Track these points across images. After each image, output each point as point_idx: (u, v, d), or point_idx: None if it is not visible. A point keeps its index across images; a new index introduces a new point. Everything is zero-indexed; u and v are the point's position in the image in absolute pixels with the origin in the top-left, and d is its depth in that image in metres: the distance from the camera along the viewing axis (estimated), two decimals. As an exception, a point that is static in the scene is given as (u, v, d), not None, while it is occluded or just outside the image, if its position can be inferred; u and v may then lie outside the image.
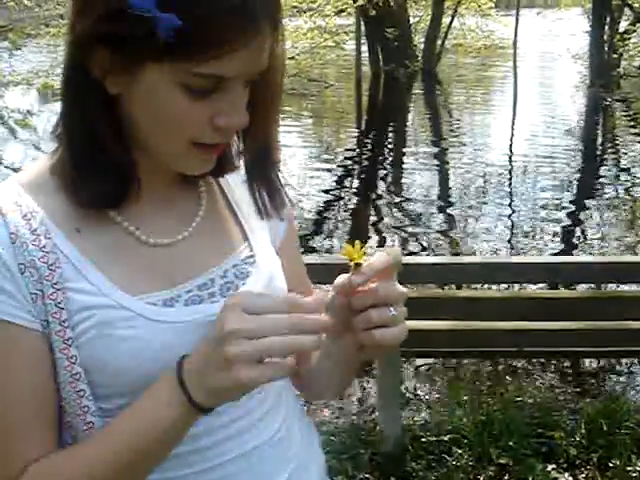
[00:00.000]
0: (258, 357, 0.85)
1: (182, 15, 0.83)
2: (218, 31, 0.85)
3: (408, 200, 8.70)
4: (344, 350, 1.06)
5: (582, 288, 4.83)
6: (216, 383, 0.87)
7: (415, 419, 3.70)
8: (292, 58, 19.37)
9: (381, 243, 7.07)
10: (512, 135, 12.76)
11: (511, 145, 11.97)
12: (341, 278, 0.97)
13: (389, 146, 12.54)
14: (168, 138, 0.94)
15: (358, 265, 0.93)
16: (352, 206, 8.58)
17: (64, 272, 0.94)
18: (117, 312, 0.95)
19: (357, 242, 0.94)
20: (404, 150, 12.02)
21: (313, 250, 6.74)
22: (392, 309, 0.95)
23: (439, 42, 21.84)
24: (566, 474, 3.22)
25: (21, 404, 0.94)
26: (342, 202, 8.67)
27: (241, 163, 1.10)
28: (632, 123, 14.14)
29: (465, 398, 3.71)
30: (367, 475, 3.26)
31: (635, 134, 12.80)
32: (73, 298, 0.94)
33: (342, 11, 20.54)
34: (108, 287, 0.96)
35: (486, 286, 4.62)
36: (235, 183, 1.14)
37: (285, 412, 1.14)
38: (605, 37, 18.86)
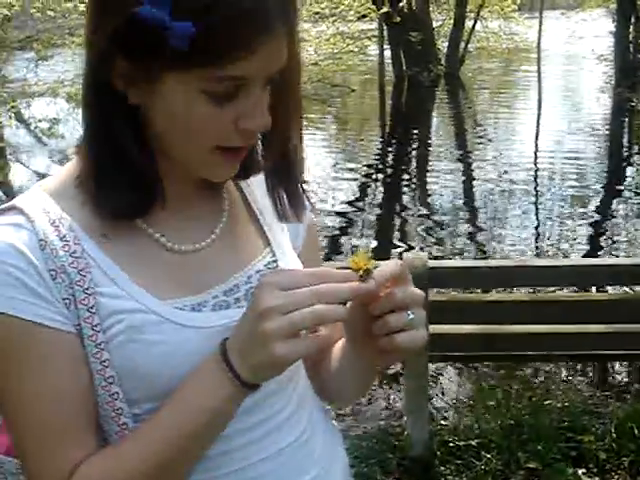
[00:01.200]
0: (293, 331, 0.88)
1: (196, 22, 0.84)
2: (232, 36, 0.85)
3: (433, 203, 8.68)
4: (364, 357, 1.07)
5: (610, 290, 4.81)
6: (257, 359, 0.89)
7: (443, 423, 3.69)
8: (315, 64, 19.42)
9: (407, 248, 7.06)
10: (537, 138, 12.70)
11: (536, 148, 11.91)
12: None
13: (413, 151, 12.52)
14: (192, 145, 0.95)
15: (367, 272, 0.93)
16: (377, 211, 8.58)
17: (94, 277, 0.95)
18: (146, 316, 0.96)
19: (361, 250, 0.94)
20: (428, 155, 12.00)
21: (339, 255, 6.74)
22: (410, 313, 0.95)
23: (462, 46, 21.78)
24: (596, 478, 3.20)
25: (63, 407, 0.95)
26: (367, 207, 8.67)
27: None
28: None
29: (493, 402, 3.69)
30: (395, 480, 3.25)
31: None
32: (103, 303, 0.95)
33: (365, 16, 20.58)
34: (137, 292, 0.97)
35: (513, 290, 4.61)
36: (256, 186, 1.14)
37: (309, 414, 1.14)
38: (630, 37, 18.72)
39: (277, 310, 0.87)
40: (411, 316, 0.95)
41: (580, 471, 3.22)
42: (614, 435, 3.40)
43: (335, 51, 19.99)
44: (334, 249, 6.98)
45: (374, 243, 7.34)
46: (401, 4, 18.03)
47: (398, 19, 17.71)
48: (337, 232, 7.61)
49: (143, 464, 0.94)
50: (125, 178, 0.96)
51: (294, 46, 0.96)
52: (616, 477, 3.20)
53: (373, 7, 18.31)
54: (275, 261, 1.10)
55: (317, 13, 20.53)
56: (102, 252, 0.97)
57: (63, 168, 1.04)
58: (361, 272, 0.92)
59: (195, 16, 0.84)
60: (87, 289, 0.94)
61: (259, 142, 1.05)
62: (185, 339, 0.97)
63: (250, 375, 0.91)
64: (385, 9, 16.94)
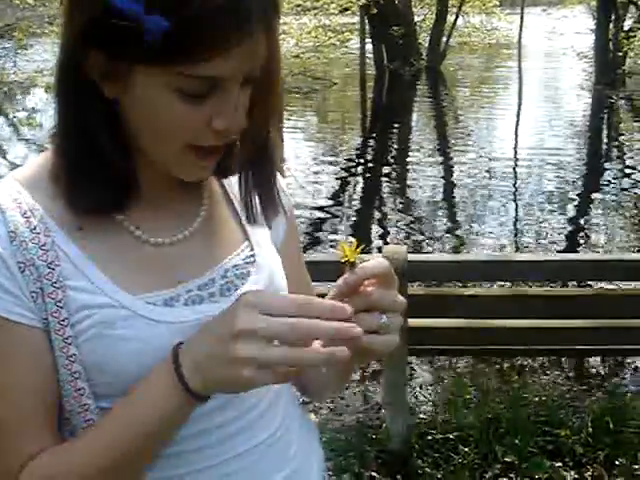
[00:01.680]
0: (266, 365, 0.85)
1: (169, 17, 0.82)
2: (206, 32, 0.83)
3: (413, 198, 8.70)
4: (348, 365, 1.06)
5: (588, 285, 4.84)
6: (218, 377, 0.87)
7: (421, 417, 3.70)
8: (297, 57, 19.40)
9: (386, 242, 7.07)
10: (517, 134, 12.76)
11: (516, 144, 11.97)
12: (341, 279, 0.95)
13: (394, 145, 12.54)
14: (164, 143, 0.93)
15: (353, 265, 0.91)
16: (357, 203, 8.59)
17: (64, 270, 0.94)
18: (117, 311, 0.94)
19: (353, 241, 0.92)
20: (408, 149, 12.02)
21: (317, 248, 6.74)
22: (384, 317, 0.92)
23: (444, 40, 21.83)
24: (572, 472, 3.22)
25: (22, 402, 0.94)
26: (347, 201, 8.67)
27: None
28: (637, 121, 14.13)
29: (471, 396, 3.70)
30: (373, 473, 3.26)
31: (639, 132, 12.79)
32: (73, 297, 0.94)
33: (346, 9, 20.54)
34: (108, 286, 0.95)
35: (492, 284, 4.64)
36: (237, 182, 1.12)
37: (284, 411, 1.13)
38: (610, 35, 18.82)
39: (254, 334, 0.84)
40: (384, 319, 0.92)
41: (556, 464, 3.24)
42: (590, 429, 3.42)
43: (317, 44, 19.97)
44: (313, 243, 6.97)
45: (354, 237, 7.34)
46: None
47: (375, 11, 17.73)
48: (316, 225, 7.60)
49: (90, 463, 0.93)
50: (99, 173, 0.94)
51: (274, 45, 0.93)
52: (592, 470, 3.23)
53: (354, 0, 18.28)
54: (253, 256, 1.08)
55: (299, 5, 20.47)
56: (74, 245, 0.95)
57: (37, 158, 1.02)
58: (347, 264, 0.91)
59: (169, 11, 0.82)
60: (55, 282, 0.93)
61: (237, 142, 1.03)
62: (156, 334, 0.95)
63: (202, 389, 0.89)
64: (364, 0, 16.93)
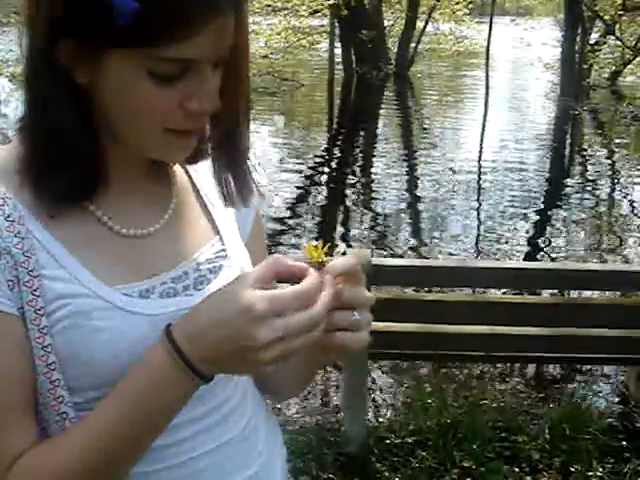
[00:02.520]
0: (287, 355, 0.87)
1: None
2: (177, 13, 0.83)
3: (377, 203, 8.72)
4: (306, 353, 1.04)
5: (547, 294, 4.89)
6: (241, 370, 0.92)
7: (380, 420, 3.71)
8: (265, 57, 19.38)
9: (349, 245, 7.08)
10: (482, 141, 12.86)
11: (481, 151, 12.06)
12: None
13: (359, 148, 12.58)
14: (140, 126, 0.92)
15: (322, 265, 0.91)
16: (321, 207, 8.59)
17: (39, 259, 0.92)
18: (93, 302, 0.93)
19: (320, 242, 0.92)
20: (374, 153, 12.06)
21: (279, 250, 6.73)
22: (356, 314, 0.93)
23: (412, 46, 21.94)
24: (528, 478, 3.25)
25: (6, 391, 0.92)
26: (311, 203, 8.67)
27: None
28: (599, 134, 14.32)
29: (430, 401, 3.72)
30: (331, 475, 3.25)
31: (602, 145, 12.95)
32: (48, 286, 0.92)
33: (317, 12, 20.56)
34: (84, 276, 0.94)
35: (453, 289, 4.66)
36: (205, 173, 1.12)
37: (251, 409, 1.14)
38: (576, 48, 19.06)
39: (279, 341, 0.85)
40: (356, 316, 0.93)
41: (513, 470, 3.27)
42: (547, 436, 3.46)
43: (286, 45, 19.96)
44: (275, 245, 6.96)
45: (317, 240, 7.33)
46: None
47: (345, 12, 17.77)
48: (279, 228, 7.58)
49: (87, 457, 0.91)
50: (66, 161, 0.92)
51: (243, 28, 0.93)
52: (548, 476, 3.26)
53: (324, 2, 18.32)
54: (224, 250, 1.09)
55: (269, 6, 20.47)
56: (48, 233, 0.94)
57: (5, 147, 1.00)
58: (315, 263, 0.91)
59: None
60: (32, 271, 0.91)
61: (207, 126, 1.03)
62: (132, 326, 0.94)
63: (213, 373, 0.90)
64: (333, 1, 16.97)
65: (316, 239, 7.13)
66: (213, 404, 1.04)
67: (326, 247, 0.92)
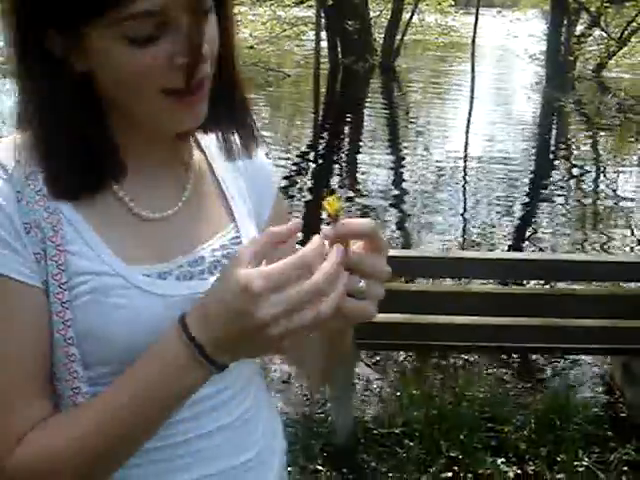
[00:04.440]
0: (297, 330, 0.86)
1: None
2: None
3: (362, 194, 8.72)
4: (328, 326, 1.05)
5: (531, 285, 4.91)
6: (252, 355, 0.93)
7: (367, 411, 3.71)
8: (251, 47, 19.33)
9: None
10: (467, 132, 12.87)
11: (466, 142, 12.07)
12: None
13: (345, 139, 12.55)
14: (139, 95, 0.92)
15: (336, 220, 0.89)
16: (307, 199, 8.57)
17: (66, 234, 0.94)
18: (113, 280, 0.95)
19: (335, 196, 0.90)
20: (360, 144, 12.05)
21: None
22: (362, 281, 0.91)
23: (398, 37, 21.92)
24: (514, 467, 3.26)
25: (24, 362, 0.94)
26: (296, 195, 8.66)
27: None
28: (584, 125, 14.38)
29: (417, 392, 3.73)
30: (319, 466, 3.26)
31: (587, 136, 12.99)
32: (72, 261, 0.94)
33: (302, 2, 20.54)
34: (107, 254, 0.96)
35: (438, 280, 4.67)
36: (214, 149, 1.13)
37: (254, 395, 1.15)
38: (562, 39, 19.12)
39: (281, 315, 0.83)
40: (361, 284, 0.91)
41: (499, 460, 3.28)
42: (533, 426, 3.47)
43: (271, 35, 19.92)
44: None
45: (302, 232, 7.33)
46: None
47: (331, 2, 17.74)
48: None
49: (99, 433, 0.92)
50: (79, 154, 0.94)
51: None
52: (534, 466, 3.27)
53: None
54: (238, 237, 1.10)
55: (255, -4, 20.45)
56: (74, 211, 0.96)
57: (10, 138, 1.00)
58: (333, 216, 0.89)
59: None
60: (59, 245, 0.93)
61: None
62: (149, 305, 0.96)
63: (227, 361, 0.91)
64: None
65: (304, 229, 7.14)
66: (210, 390, 1.04)
67: (341, 201, 0.89)
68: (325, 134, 12.83)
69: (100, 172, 0.97)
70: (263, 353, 0.93)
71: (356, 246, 0.91)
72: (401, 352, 4.35)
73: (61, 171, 0.95)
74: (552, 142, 13.08)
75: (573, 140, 12.76)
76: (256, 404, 1.15)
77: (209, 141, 1.12)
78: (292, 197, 8.46)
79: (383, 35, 22.02)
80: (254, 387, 1.16)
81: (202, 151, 1.13)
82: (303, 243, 0.91)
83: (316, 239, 0.88)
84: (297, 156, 10.72)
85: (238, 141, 1.10)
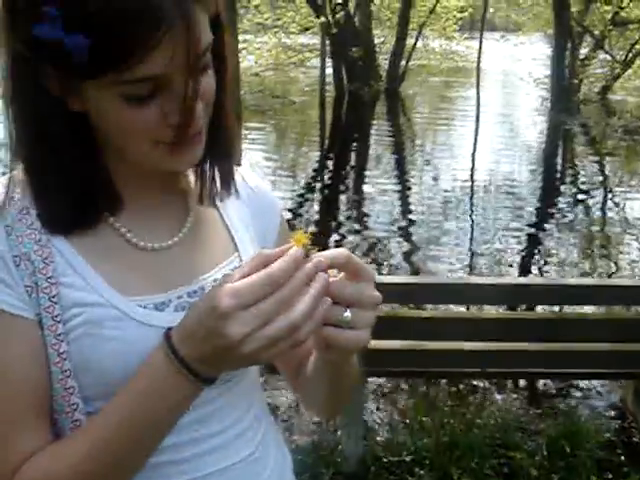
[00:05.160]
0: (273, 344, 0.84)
1: (89, 33, 0.83)
2: (125, 39, 0.84)
3: (369, 221, 8.72)
4: (325, 358, 1.04)
5: (541, 310, 4.89)
6: (228, 369, 0.91)
7: (377, 439, 3.69)
8: (256, 75, 19.45)
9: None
10: (474, 157, 12.88)
11: (473, 167, 12.08)
12: None
13: (351, 166, 12.57)
14: (133, 145, 0.94)
15: (307, 255, 0.87)
16: (313, 226, 8.57)
17: (58, 267, 0.95)
18: (107, 311, 0.95)
19: (301, 230, 0.89)
20: (366, 169, 12.08)
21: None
22: (347, 311, 0.90)
23: (403, 62, 22.03)
24: (527, 495, 3.23)
25: (19, 395, 0.93)
26: (303, 222, 8.66)
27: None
28: (590, 148, 14.38)
29: (427, 419, 3.70)
30: (328, 495, 3.23)
31: (593, 160, 12.99)
32: (65, 293, 0.94)
33: (307, 29, 20.67)
34: (100, 285, 0.96)
35: (448, 306, 4.65)
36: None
37: (263, 432, 1.14)
38: (566, 62, 19.18)
39: (251, 335, 0.83)
40: (346, 314, 0.90)
41: (511, 488, 3.25)
42: (545, 452, 3.44)
43: (277, 63, 20.04)
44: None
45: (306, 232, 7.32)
46: (338, 16, 18.20)
47: (335, 31, 17.86)
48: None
49: (91, 460, 0.91)
50: (70, 187, 0.95)
51: (219, 35, 0.95)
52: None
53: (314, 20, 18.43)
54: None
55: (259, 24, 20.59)
56: (67, 243, 0.97)
57: (15, 172, 1.02)
58: (304, 249, 0.87)
59: (86, 27, 0.83)
60: (50, 278, 0.93)
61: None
62: (143, 337, 0.95)
63: (213, 374, 0.90)
64: (323, 19, 17.06)
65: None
66: (215, 429, 1.04)
67: (310, 236, 0.88)
68: (331, 160, 12.86)
69: (95, 206, 0.98)
70: (246, 366, 0.92)
71: (339, 277, 0.91)
72: (410, 379, 4.33)
73: (53, 207, 0.95)
74: (558, 166, 13.08)
75: (580, 163, 12.74)
76: (265, 441, 1.14)
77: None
78: (297, 221, 8.47)
79: (388, 61, 22.13)
80: (264, 424, 1.15)
81: None
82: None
83: (288, 255, 0.87)
84: (303, 182, 10.74)
85: (218, 181, 1.09)
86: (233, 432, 1.07)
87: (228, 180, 1.11)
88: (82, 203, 0.96)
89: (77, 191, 0.96)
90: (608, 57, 20.60)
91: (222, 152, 1.08)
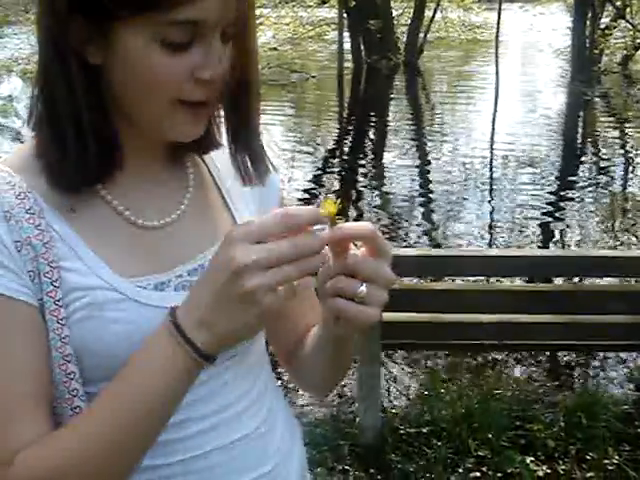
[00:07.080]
0: (276, 286, 0.83)
1: None
2: None
3: (389, 194, 8.70)
4: (322, 323, 1.04)
5: (560, 281, 4.87)
6: (226, 324, 0.84)
7: (395, 411, 3.71)
8: (274, 49, 19.37)
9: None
10: (493, 129, 12.78)
11: (492, 139, 11.99)
12: None
13: (370, 139, 12.54)
14: (152, 100, 0.93)
15: (333, 224, 0.87)
16: (332, 199, 8.59)
17: (59, 251, 0.94)
18: (108, 294, 0.94)
19: (331, 200, 0.88)
20: (385, 142, 12.04)
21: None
22: (363, 286, 0.88)
23: (421, 35, 21.84)
24: (544, 466, 3.24)
25: (20, 381, 0.92)
26: (322, 193, 8.66)
27: (224, 136, 1.07)
28: (611, 119, 14.23)
29: (444, 391, 3.71)
30: (347, 466, 3.26)
31: (615, 129, 12.86)
32: (66, 277, 0.94)
33: (325, 2, 20.53)
34: (100, 268, 0.96)
35: (467, 279, 4.64)
36: (221, 162, 1.12)
37: (269, 405, 1.13)
38: (587, 33, 18.94)
39: (256, 266, 0.81)
40: (361, 289, 0.88)
41: (528, 459, 3.26)
42: (563, 424, 3.45)
43: (294, 37, 19.93)
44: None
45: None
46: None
47: (353, 3, 17.73)
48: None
49: (90, 445, 0.90)
50: (85, 142, 0.93)
51: (248, 4, 0.94)
52: (563, 465, 3.25)
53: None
54: None
55: (277, -3, 20.48)
56: (67, 226, 0.96)
57: (24, 144, 1.02)
58: (330, 220, 0.86)
59: None
60: (51, 262, 0.93)
61: (217, 117, 1.03)
62: (145, 318, 0.95)
63: (210, 345, 0.87)
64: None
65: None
66: (216, 406, 1.03)
67: (339, 206, 0.87)
68: (350, 133, 12.82)
69: (100, 164, 0.95)
70: (248, 326, 0.86)
71: (359, 251, 0.90)
72: (429, 351, 4.34)
73: (62, 162, 0.94)
74: (579, 137, 12.96)
75: (599, 135, 12.62)
76: (272, 415, 1.13)
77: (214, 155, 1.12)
78: (317, 193, 8.47)
79: (406, 33, 21.95)
80: (270, 396, 1.14)
81: (203, 160, 1.12)
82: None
83: (318, 237, 0.85)
84: (322, 155, 10.72)
85: (251, 167, 1.07)
86: (238, 407, 1.06)
87: (261, 161, 1.08)
88: (93, 161, 0.94)
89: (88, 150, 0.94)
90: (629, 26, 20.30)
91: (251, 132, 1.06)
